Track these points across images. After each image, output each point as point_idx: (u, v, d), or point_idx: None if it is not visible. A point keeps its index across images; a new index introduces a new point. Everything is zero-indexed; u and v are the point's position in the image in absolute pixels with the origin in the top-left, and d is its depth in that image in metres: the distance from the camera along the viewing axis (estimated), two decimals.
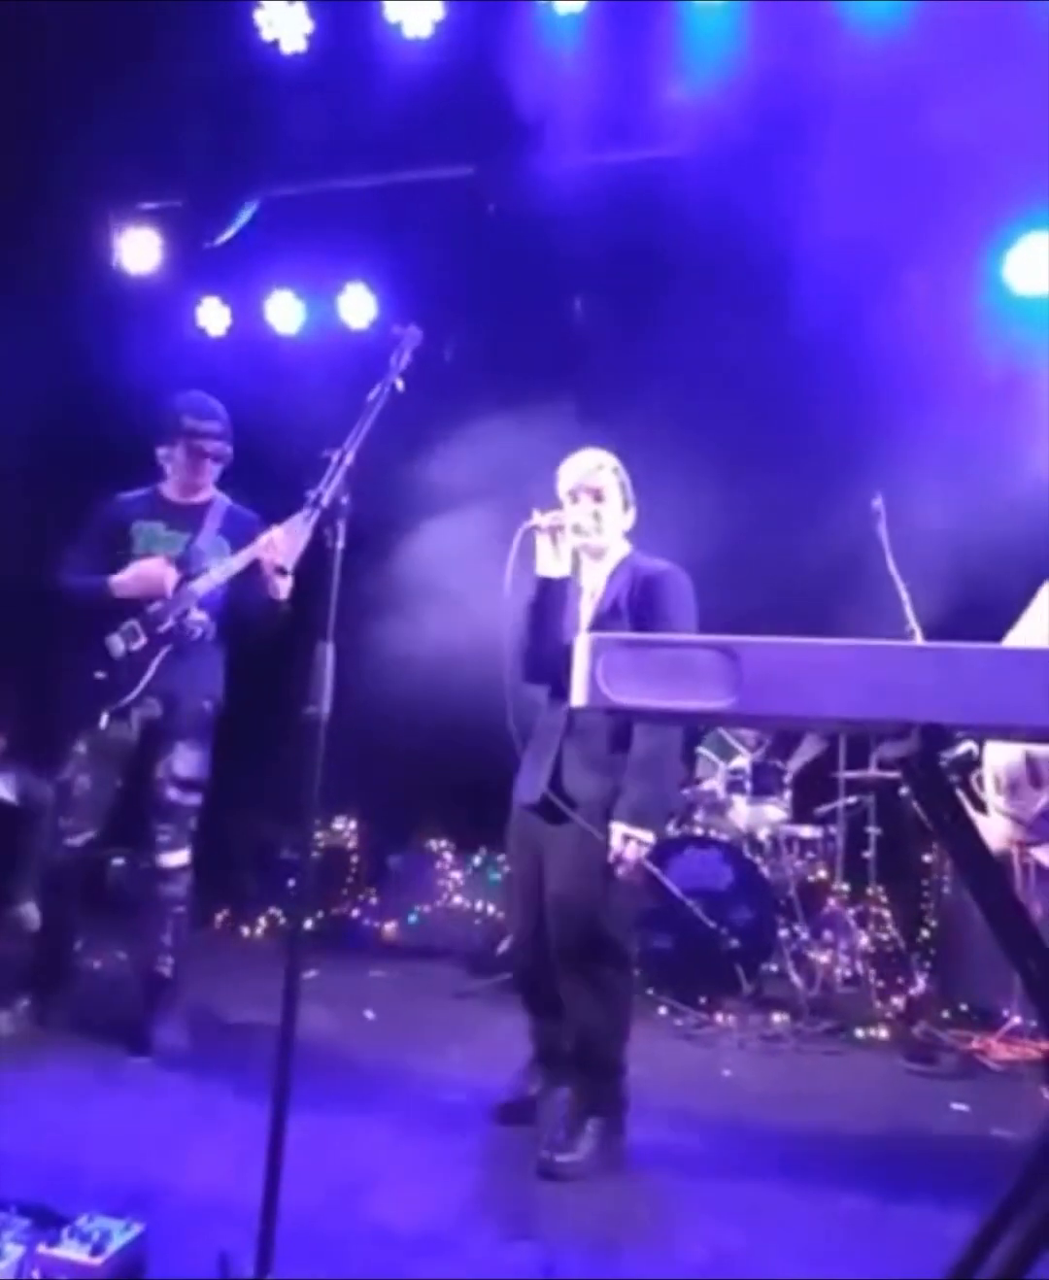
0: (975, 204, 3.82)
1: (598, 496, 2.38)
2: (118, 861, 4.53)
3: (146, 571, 2.84)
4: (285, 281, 4.85)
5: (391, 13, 3.77)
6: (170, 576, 2.85)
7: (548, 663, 2.31)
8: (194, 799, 2.94)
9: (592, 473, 2.39)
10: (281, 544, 2.68)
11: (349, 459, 1.60)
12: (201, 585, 2.87)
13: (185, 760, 2.92)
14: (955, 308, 4.03)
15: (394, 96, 3.85)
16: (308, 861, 1.62)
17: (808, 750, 4.27)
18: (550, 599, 2.32)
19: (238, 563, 2.83)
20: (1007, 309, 4.05)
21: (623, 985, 2.36)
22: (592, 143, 3.90)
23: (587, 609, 2.43)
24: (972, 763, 2.23)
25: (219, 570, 2.86)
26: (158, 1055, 2.77)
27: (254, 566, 2.81)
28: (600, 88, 3.69)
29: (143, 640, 2.85)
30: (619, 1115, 2.33)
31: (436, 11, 3.73)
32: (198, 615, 2.90)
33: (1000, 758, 2.26)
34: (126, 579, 2.84)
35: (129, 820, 3.11)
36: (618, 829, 2.23)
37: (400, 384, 1.74)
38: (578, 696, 1.36)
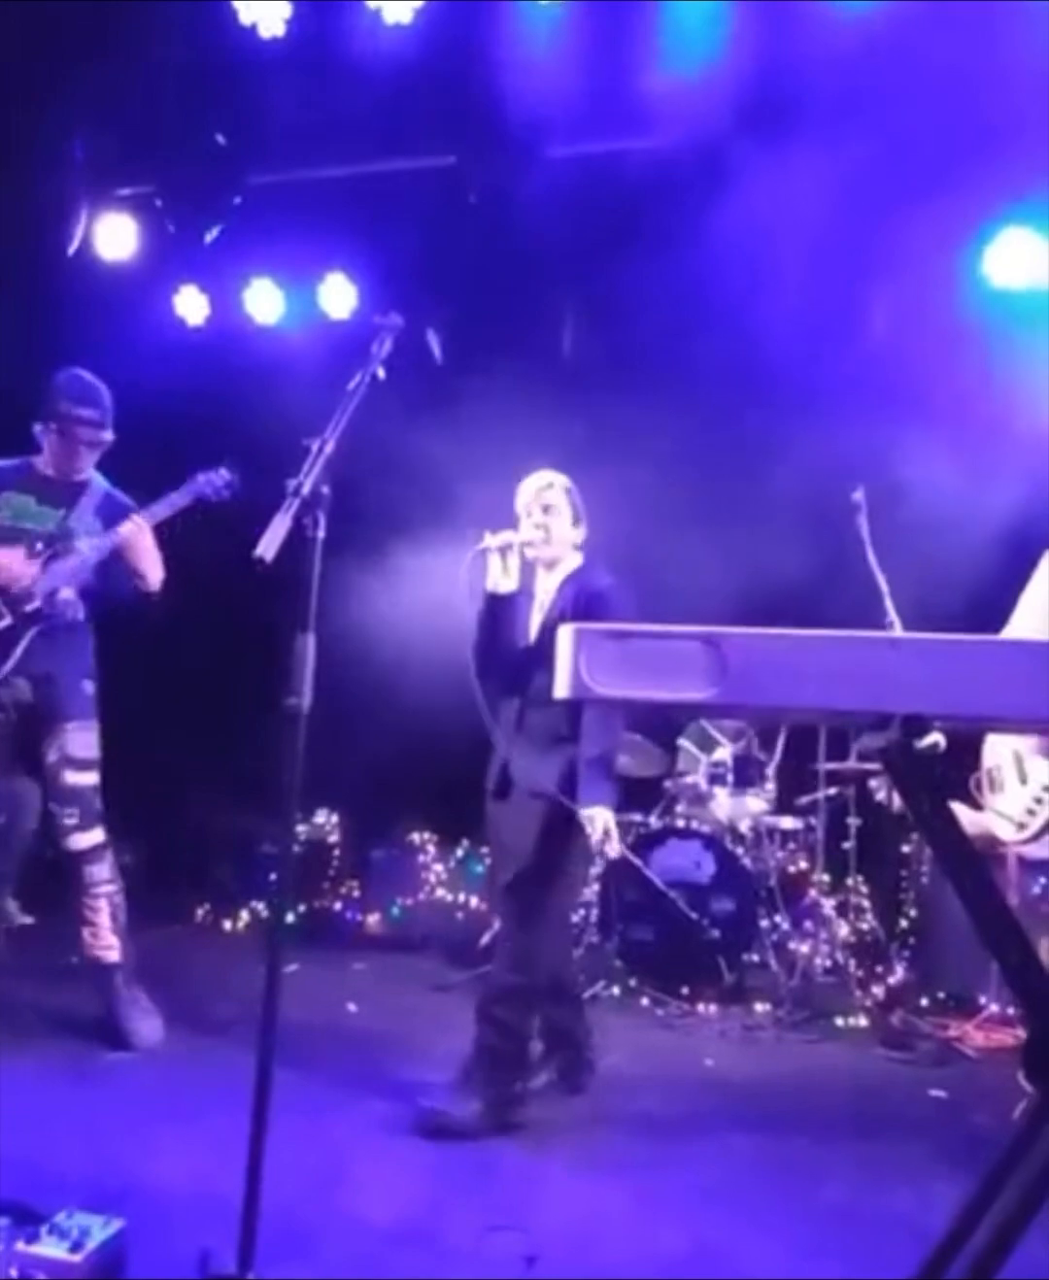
0: (955, 197, 3.82)
1: (548, 511, 2.61)
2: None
3: (8, 564, 2.80)
4: (264, 270, 4.79)
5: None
6: (26, 573, 2.81)
7: (500, 667, 2.56)
8: (92, 777, 2.90)
9: (543, 490, 2.63)
10: (140, 544, 2.79)
11: (329, 448, 1.59)
12: (71, 565, 2.84)
13: (76, 740, 2.87)
14: (935, 301, 4.04)
15: (375, 84, 3.81)
16: (288, 854, 1.60)
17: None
18: (500, 612, 2.56)
19: (105, 544, 2.83)
20: (986, 302, 4.06)
21: (552, 956, 2.54)
22: (572, 132, 3.88)
23: (537, 618, 2.64)
24: (935, 756, 2.26)
25: (88, 550, 2.83)
26: (137, 1048, 2.77)
27: (119, 554, 2.84)
28: (581, 77, 3.67)
29: (7, 620, 2.80)
30: (516, 1080, 2.45)
31: None
32: (67, 594, 2.85)
33: (992, 758, 2.28)
34: None
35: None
36: (592, 812, 2.43)
37: (381, 372, 1.73)
38: (562, 688, 1.35)
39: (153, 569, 2.86)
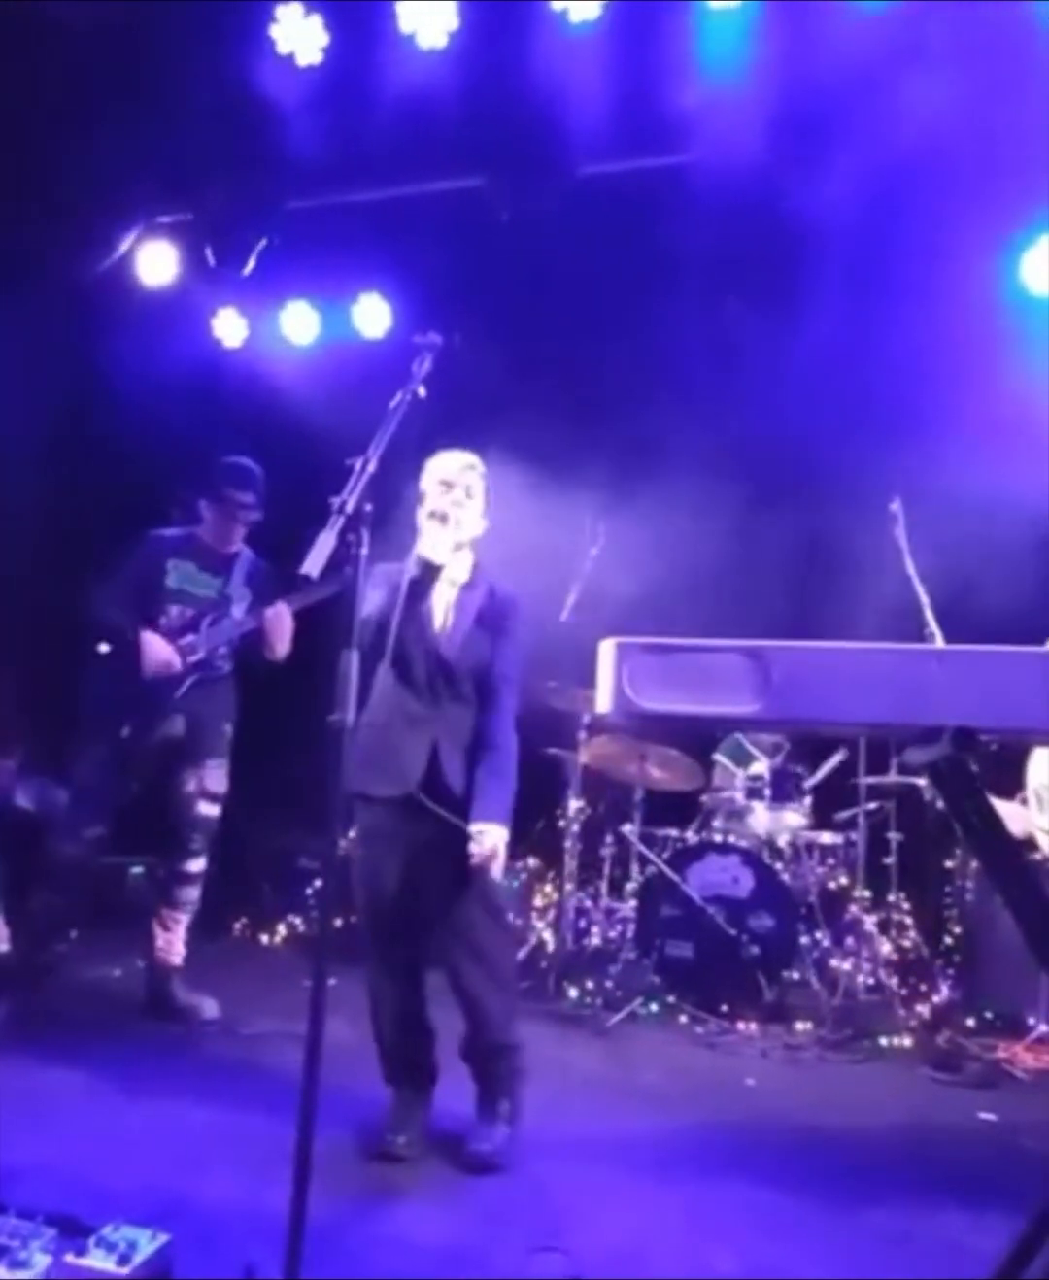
0: (992, 205, 3.80)
1: (468, 493, 2.43)
2: (136, 869, 4.55)
3: (157, 653, 3.21)
4: (300, 292, 4.88)
5: (406, 24, 3.79)
6: (174, 662, 3.24)
7: (412, 648, 2.34)
8: (218, 811, 3.35)
9: (467, 469, 2.45)
10: (280, 626, 3.25)
11: (372, 467, 1.61)
12: (226, 627, 3.34)
13: (215, 776, 3.32)
14: (973, 310, 4.01)
15: (407, 108, 3.88)
16: (333, 867, 1.61)
17: (832, 760, 4.23)
18: (428, 584, 2.33)
19: (250, 623, 3.32)
20: (1025, 310, 4.02)
21: (514, 966, 2.53)
22: (603, 150, 3.91)
23: (442, 605, 2.42)
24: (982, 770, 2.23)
25: (233, 625, 3.32)
26: (208, 1018, 3.18)
27: (259, 631, 3.29)
28: (612, 96, 3.71)
29: (177, 668, 3.26)
30: (521, 1092, 2.41)
31: (450, 22, 3.75)
32: (222, 650, 3.35)
33: (1040, 773, 2.24)
34: (145, 650, 3.21)
35: (142, 830, 3.26)
36: (488, 829, 2.28)
37: (422, 391, 1.75)
38: (603, 702, 1.35)
39: (281, 645, 3.31)
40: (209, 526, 3.42)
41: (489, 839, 2.26)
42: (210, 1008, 3.24)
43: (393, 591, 2.31)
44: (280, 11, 3.90)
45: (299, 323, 4.96)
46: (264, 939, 4.62)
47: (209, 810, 3.32)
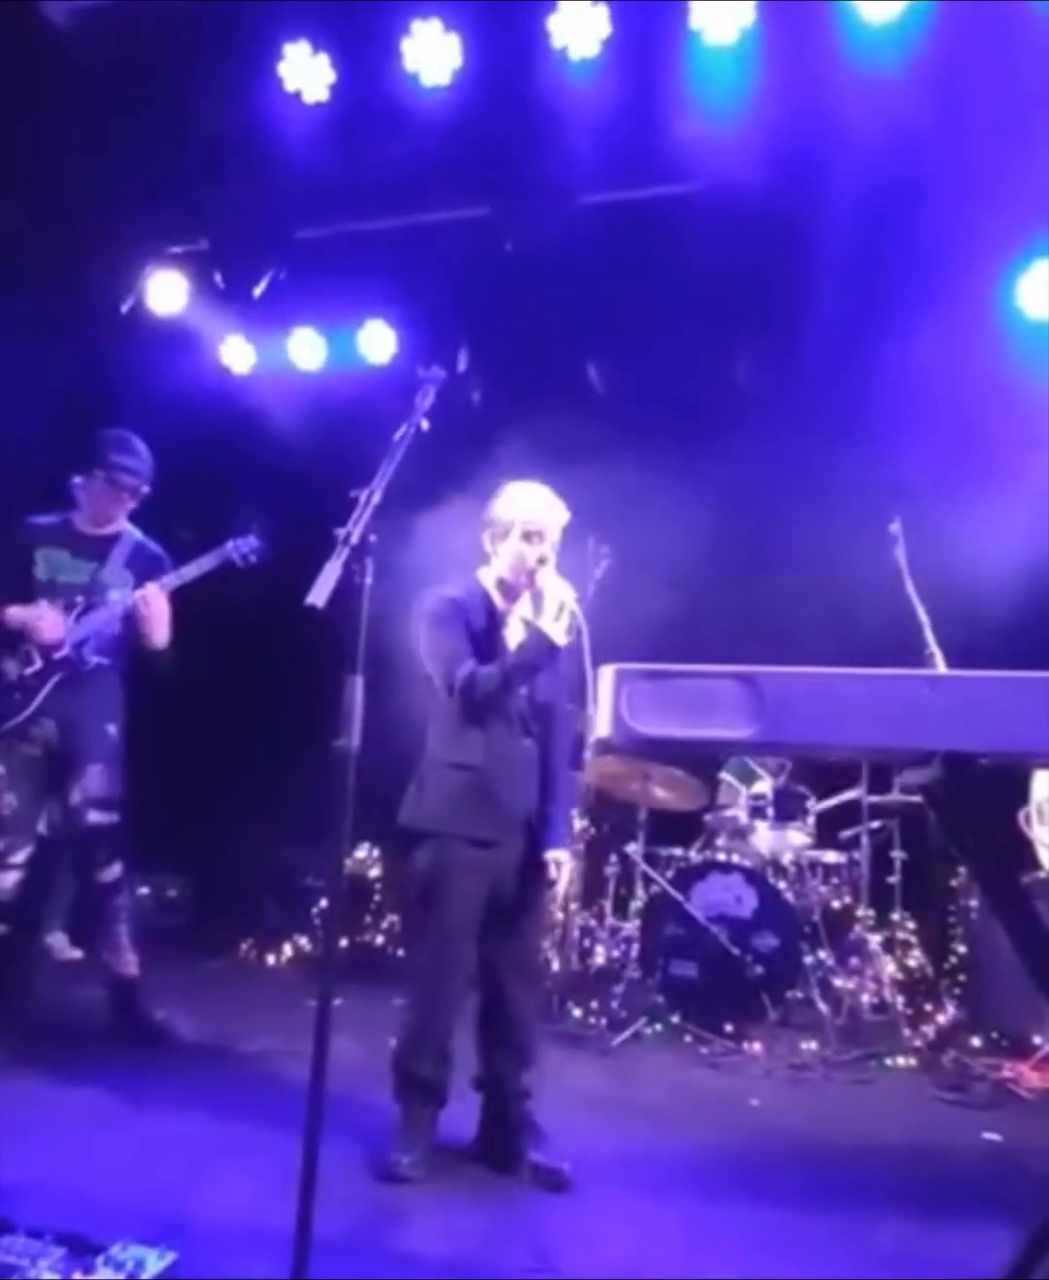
0: (988, 231, 3.86)
1: (554, 547, 2.39)
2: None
3: (39, 619, 2.98)
4: (307, 319, 4.97)
5: (410, 63, 3.89)
6: (58, 624, 3.00)
7: (507, 697, 2.36)
8: (114, 816, 3.09)
9: (560, 522, 2.40)
10: (152, 610, 2.98)
11: (377, 497, 1.66)
12: (100, 617, 3.05)
13: (98, 781, 3.06)
14: (970, 334, 4.06)
15: (413, 141, 3.97)
16: (338, 890, 1.64)
17: (844, 794, 4.22)
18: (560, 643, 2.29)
19: (122, 605, 3.05)
20: (1021, 334, 4.08)
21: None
22: (606, 180, 3.99)
23: (515, 640, 2.41)
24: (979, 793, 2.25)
25: (107, 615, 3.05)
26: (183, 1041, 3.07)
27: (131, 615, 3.04)
28: (613, 128, 3.79)
29: (37, 665, 3.01)
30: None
31: (454, 60, 3.85)
32: (92, 643, 3.06)
33: (1043, 791, 2.27)
34: (16, 616, 2.99)
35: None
36: (561, 856, 2.38)
37: (425, 424, 1.80)
38: (602, 727, 1.39)
39: (159, 632, 3.05)
40: (87, 506, 3.13)
41: (565, 866, 2.36)
42: (185, 1027, 3.14)
43: (473, 625, 2.32)
44: (288, 50, 3.99)
45: (305, 349, 5.04)
46: (270, 959, 4.64)
47: (101, 818, 3.05)
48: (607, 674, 1.37)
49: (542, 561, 2.32)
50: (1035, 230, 3.97)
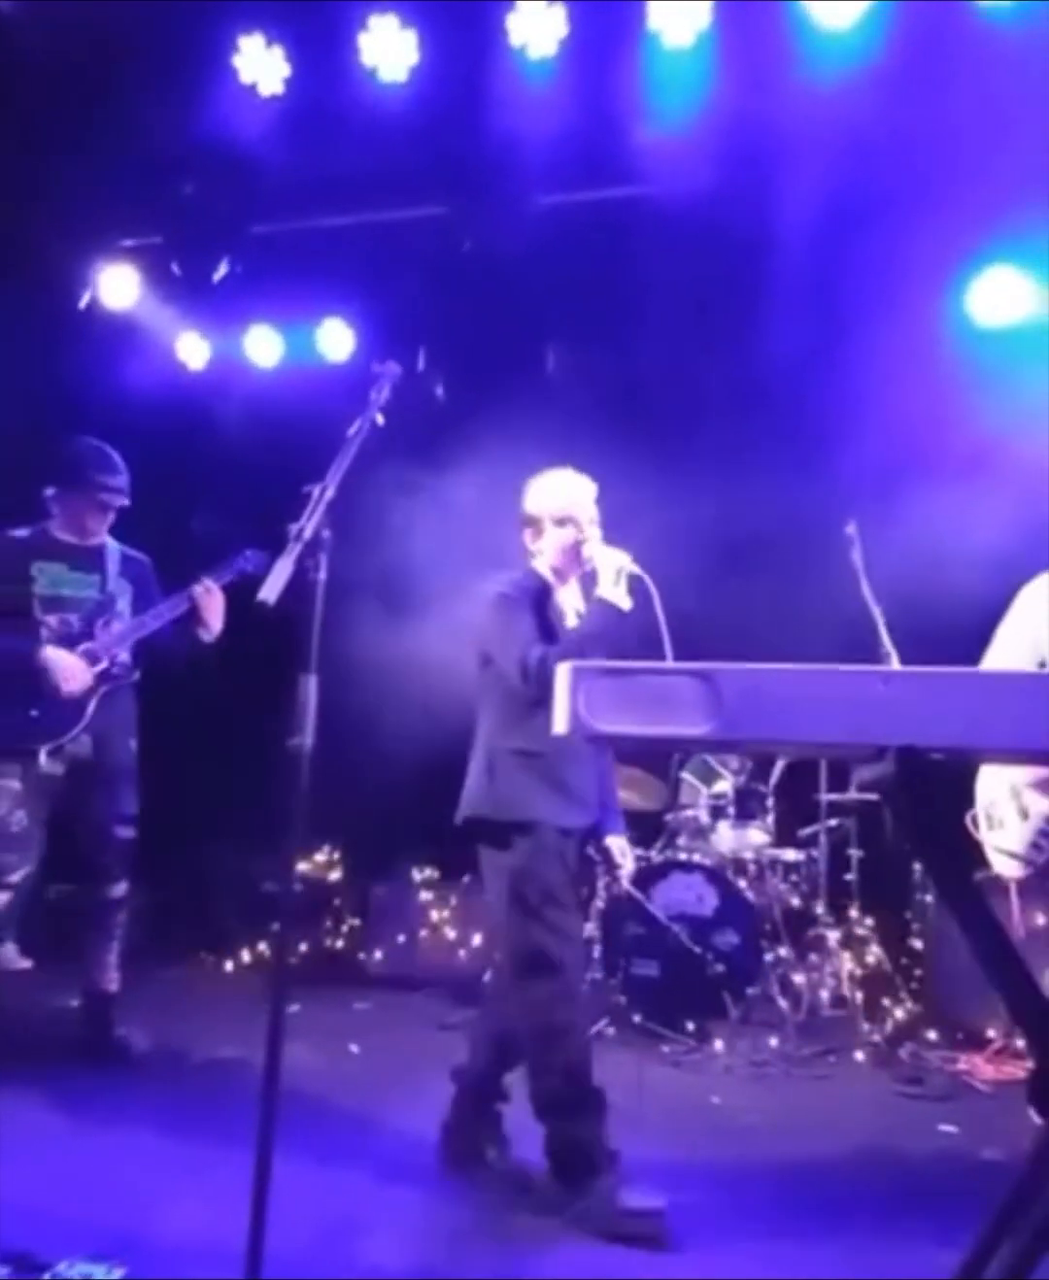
0: (939, 237, 3.93)
1: (594, 522, 2.42)
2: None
3: (69, 667, 2.93)
4: (264, 316, 4.91)
5: (367, 58, 3.86)
6: (87, 675, 2.96)
7: None
8: (134, 833, 3.17)
9: (589, 499, 2.44)
10: (213, 602, 3.01)
11: (330, 493, 1.63)
12: (124, 629, 3.04)
13: (127, 798, 3.13)
14: (922, 340, 4.13)
15: (370, 137, 3.93)
16: (289, 894, 1.61)
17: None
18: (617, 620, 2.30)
19: (165, 613, 3.05)
20: (971, 341, 4.15)
21: None
22: (563, 182, 4.00)
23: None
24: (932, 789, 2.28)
25: (137, 624, 3.05)
26: (135, 1057, 3.02)
27: (186, 612, 3.05)
28: (571, 129, 3.79)
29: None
30: None
31: (411, 57, 3.83)
32: (124, 656, 3.07)
33: (987, 793, 2.30)
34: (55, 669, 2.92)
35: (58, 854, 3.15)
36: (625, 844, 2.46)
37: (380, 419, 1.78)
38: (560, 724, 1.38)
39: (218, 622, 3.08)
40: (65, 519, 3.05)
41: (629, 852, 2.43)
42: (142, 1041, 3.12)
43: (536, 615, 2.30)
44: (242, 42, 3.94)
45: (262, 346, 4.98)
46: (229, 965, 4.57)
47: (125, 833, 3.12)
48: (563, 672, 1.37)
49: (582, 540, 2.34)
50: (985, 238, 4.05)
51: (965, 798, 2.31)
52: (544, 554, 2.43)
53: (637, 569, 2.28)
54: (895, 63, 3.59)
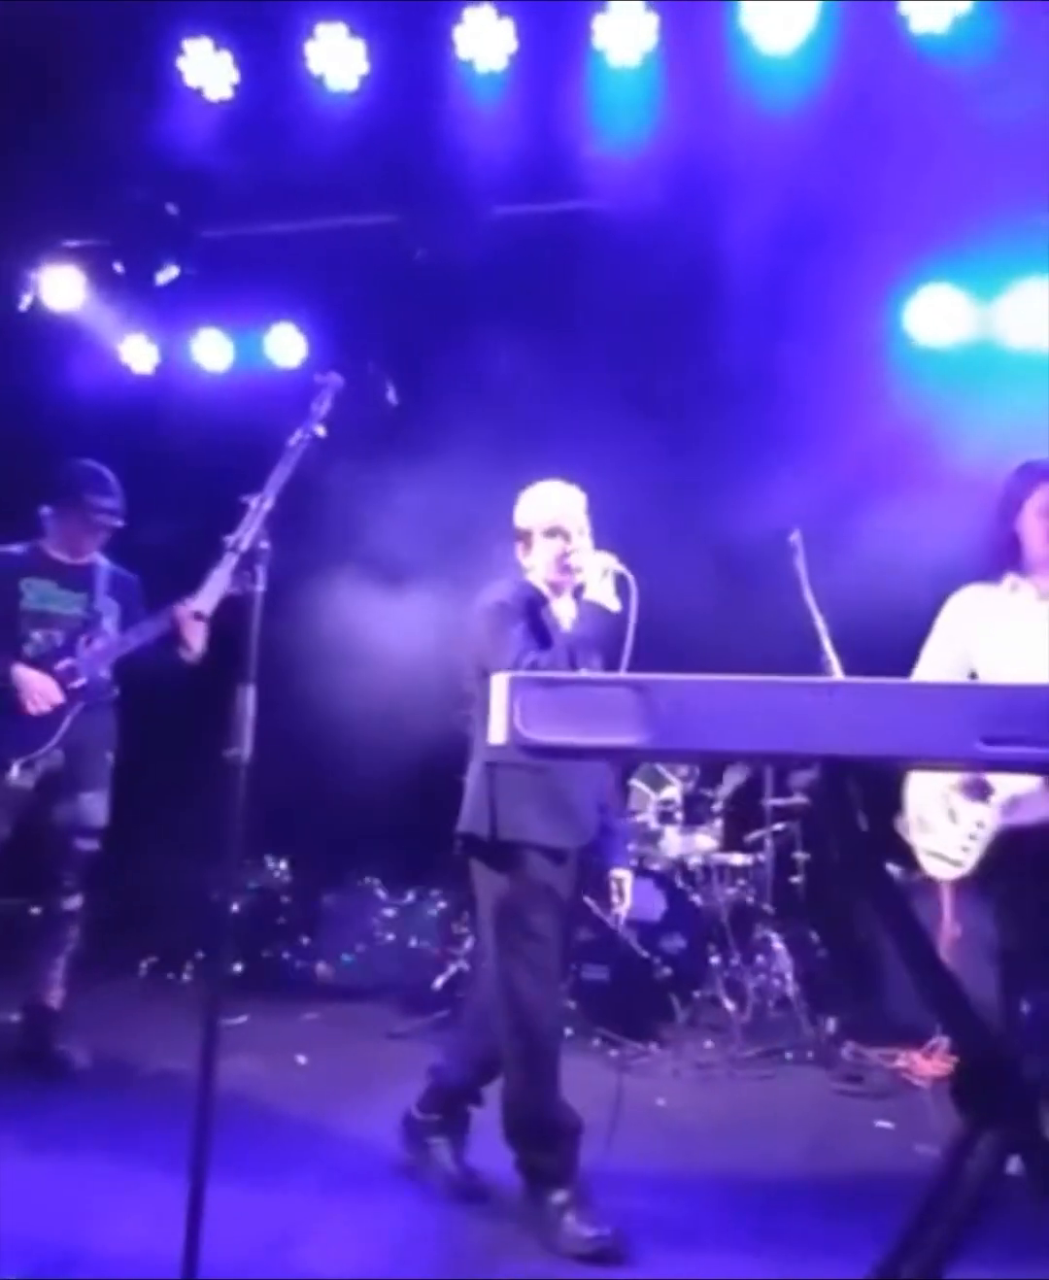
0: (878, 257, 4.03)
1: (582, 531, 2.41)
2: (35, 910, 4.37)
3: (36, 686, 2.98)
4: (213, 320, 4.87)
5: (315, 66, 3.85)
6: (55, 694, 3.02)
7: None
8: (95, 845, 3.18)
9: (578, 509, 2.44)
10: (194, 623, 2.94)
11: (268, 504, 1.63)
12: (107, 645, 3.09)
13: (93, 810, 3.14)
14: (863, 356, 4.23)
15: (320, 144, 3.93)
16: (227, 906, 1.61)
17: (732, 779, 4.36)
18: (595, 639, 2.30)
19: (148, 631, 3.05)
20: (909, 359, 4.26)
21: None
22: (512, 194, 4.03)
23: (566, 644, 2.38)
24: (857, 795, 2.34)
25: (118, 643, 3.09)
26: (76, 1071, 3.01)
27: (176, 630, 3.06)
28: (521, 142, 3.83)
29: (58, 698, 3.03)
30: None
31: (360, 67, 3.83)
32: (104, 673, 3.13)
33: (918, 798, 2.37)
34: (23, 687, 2.97)
35: (10, 869, 3.12)
36: (628, 876, 2.34)
37: (322, 430, 1.78)
38: (497, 735, 1.40)
39: (199, 642, 3.06)
40: (59, 537, 3.15)
41: (628, 885, 2.30)
42: (81, 1057, 3.09)
43: (530, 623, 2.27)
44: (188, 46, 3.91)
45: (212, 351, 4.94)
46: (172, 977, 4.50)
47: (86, 845, 3.13)
48: (499, 682, 1.39)
49: (569, 551, 2.35)
50: (921, 258, 4.17)
51: (894, 805, 2.38)
52: (536, 567, 2.43)
53: (622, 567, 2.29)
54: (836, 87, 3.69)
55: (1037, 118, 3.46)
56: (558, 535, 2.38)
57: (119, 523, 3.19)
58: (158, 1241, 1.80)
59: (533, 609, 2.35)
